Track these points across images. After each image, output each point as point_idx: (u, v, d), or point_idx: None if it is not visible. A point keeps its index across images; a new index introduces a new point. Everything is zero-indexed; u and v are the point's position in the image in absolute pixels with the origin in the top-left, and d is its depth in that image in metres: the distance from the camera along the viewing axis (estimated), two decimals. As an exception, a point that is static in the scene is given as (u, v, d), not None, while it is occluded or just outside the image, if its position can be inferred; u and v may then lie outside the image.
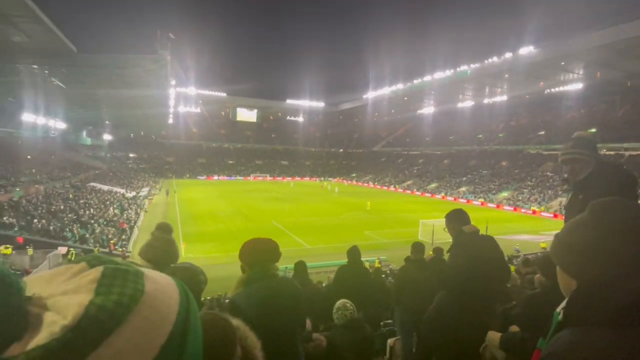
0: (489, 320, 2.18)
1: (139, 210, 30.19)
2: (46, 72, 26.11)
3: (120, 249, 19.18)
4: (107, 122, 58.92)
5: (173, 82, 38.27)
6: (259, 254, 1.77)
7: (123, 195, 35.16)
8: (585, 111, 49.76)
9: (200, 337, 0.45)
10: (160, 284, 0.41)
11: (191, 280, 1.66)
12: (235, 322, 0.96)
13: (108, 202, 29.74)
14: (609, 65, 37.63)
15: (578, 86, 47.81)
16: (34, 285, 0.37)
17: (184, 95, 76.32)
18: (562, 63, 40.86)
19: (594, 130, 44.84)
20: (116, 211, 27.55)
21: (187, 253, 18.03)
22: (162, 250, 2.00)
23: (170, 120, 62.87)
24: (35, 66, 24.67)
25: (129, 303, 0.35)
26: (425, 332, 2.90)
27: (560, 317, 0.77)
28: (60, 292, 0.35)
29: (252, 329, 1.02)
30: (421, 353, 3.01)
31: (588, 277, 0.74)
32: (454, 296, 2.43)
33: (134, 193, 38.10)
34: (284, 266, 14.98)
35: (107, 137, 67.56)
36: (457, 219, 2.62)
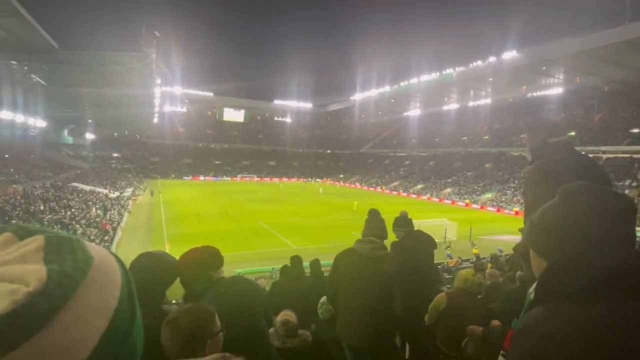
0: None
1: (122, 210, 29.58)
2: (25, 68, 25.36)
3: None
4: (89, 120, 57.50)
5: (158, 81, 37.65)
6: (200, 264, 1.66)
7: (106, 195, 34.39)
8: (565, 115, 51.20)
9: (139, 311, 0.45)
10: (99, 250, 0.42)
11: (169, 267, 1.68)
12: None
13: (90, 203, 29.04)
14: (587, 71, 38.85)
15: (558, 90, 49.18)
16: None
17: (170, 94, 75.05)
18: (544, 68, 41.97)
19: (573, 133, 46.12)
20: (99, 212, 26.92)
21: (172, 254, 17.76)
22: (381, 229, 2.74)
23: (156, 120, 61.72)
24: (14, 62, 23.93)
25: (84, 268, 0.36)
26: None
27: (532, 296, 0.80)
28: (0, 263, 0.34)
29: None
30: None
31: (556, 256, 0.77)
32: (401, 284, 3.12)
33: (117, 193, 37.31)
34: (271, 267, 14.96)
35: (89, 136, 65.93)
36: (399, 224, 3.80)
